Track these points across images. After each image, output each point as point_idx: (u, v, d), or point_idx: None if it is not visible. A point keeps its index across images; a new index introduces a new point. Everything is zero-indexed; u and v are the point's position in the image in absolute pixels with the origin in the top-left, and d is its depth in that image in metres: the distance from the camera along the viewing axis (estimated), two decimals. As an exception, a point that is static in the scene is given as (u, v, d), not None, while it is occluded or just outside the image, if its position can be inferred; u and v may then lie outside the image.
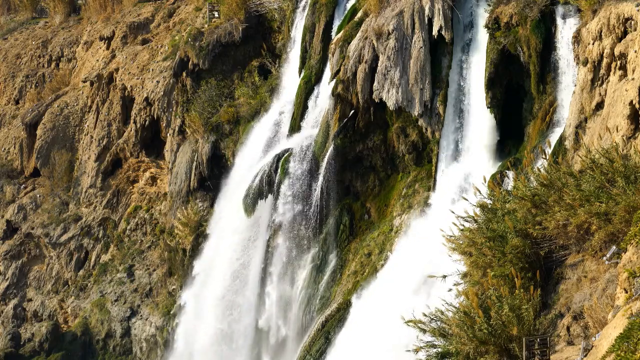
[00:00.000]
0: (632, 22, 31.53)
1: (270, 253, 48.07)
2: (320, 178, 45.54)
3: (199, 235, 54.14)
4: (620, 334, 16.62)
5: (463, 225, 24.94)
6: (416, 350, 22.93)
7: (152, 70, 60.79)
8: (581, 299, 21.83)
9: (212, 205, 54.36)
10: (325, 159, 45.35)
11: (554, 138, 36.10)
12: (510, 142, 40.35)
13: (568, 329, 21.58)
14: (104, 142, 63.37)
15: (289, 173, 46.26)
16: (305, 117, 48.85)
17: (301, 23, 51.74)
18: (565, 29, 37.20)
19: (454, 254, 24.89)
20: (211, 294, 51.01)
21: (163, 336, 56.48)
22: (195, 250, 54.04)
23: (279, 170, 46.69)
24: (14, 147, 69.15)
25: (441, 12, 41.47)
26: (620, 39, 32.04)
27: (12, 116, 71.97)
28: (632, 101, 29.48)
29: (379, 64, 43.10)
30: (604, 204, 21.83)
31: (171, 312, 56.28)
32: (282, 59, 54.09)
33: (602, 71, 33.02)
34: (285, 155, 46.93)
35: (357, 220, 46.08)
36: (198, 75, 56.65)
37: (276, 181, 46.69)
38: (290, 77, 52.54)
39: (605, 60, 32.75)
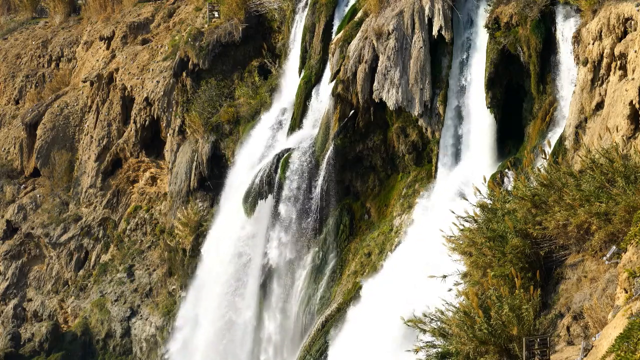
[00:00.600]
0: (632, 22, 31.53)
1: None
2: (320, 178, 45.55)
3: (199, 235, 54.16)
4: (620, 334, 16.62)
5: (463, 225, 24.93)
6: (416, 351, 22.92)
7: (152, 70, 60.80)
8: (581, 299, 21.82)
9: (212, 205, 54.38)
10: (325, 159, 45.35)
11: (554, 138, 36.09)
12: (510, 142, 40.34)
13: (568, 329, 21.58)
14: (104, 142, 63.38)
15: (288, 173, 46.25)
16: (305, 117, 48.85)
17: (301, 23, 51.73)
18: (565, 29, 37.19)
19: (454, 254, 24.88)
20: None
21: (163, 336, 56.49)
22: (195, 250, 54.08)
23: (279, 170, 46.69)
24: (14, 147, 69.16)
25: (441, 12, 41.47)
26: (620, 39, 32.03)
27: (12, 116, 71.99)
28: (632, 101, 29.48)
29: (379, 64, 43.10)
30: (604, 204, 21.82)
31: (171, 313, 56.32)
32: (282, 59, 54.08)
33: (602, 71, 33.01)
34: (285, 155, 46.93)
35: (357, 220, 46.08)
36: (198, 75, 56.65)
37: (276, 181, 46.70)
38: (290, 77, 52.54)
39: (605, 60, 32.74)
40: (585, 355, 18.97)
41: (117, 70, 63.75)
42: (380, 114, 44.48)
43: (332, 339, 42.32)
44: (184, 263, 55.47)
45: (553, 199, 23.15)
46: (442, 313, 22.77)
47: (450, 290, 24.63)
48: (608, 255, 21.06)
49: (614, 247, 20.88)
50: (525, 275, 22.81)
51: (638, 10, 31.28)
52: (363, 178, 46.10)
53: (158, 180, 61.53)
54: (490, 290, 22.35)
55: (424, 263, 35.76)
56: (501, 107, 40.18)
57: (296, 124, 48.97)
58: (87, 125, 65.35)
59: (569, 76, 36.92)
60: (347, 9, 48.45)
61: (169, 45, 61.59)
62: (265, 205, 47.45)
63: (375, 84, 43.18)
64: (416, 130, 43.32)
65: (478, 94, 40.64)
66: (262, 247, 48.49)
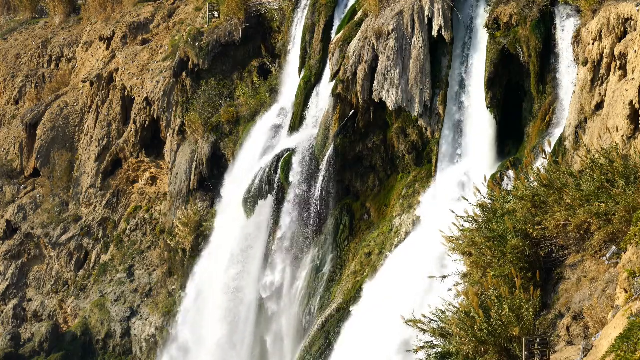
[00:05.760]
0: (632, 22, 31.53)
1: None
2: (320, 178, 45.55)
3: (199, 235, 54.16)
4: (620, 334, 16.61)
5: (463, 226, 24.92)
6: (416, 351, 22.92)
7: (152, 70, 60.79)
8: (581, 299, 21.82)
9: (212, 205, 54.37)
10: (325, 159, 45.35)
11: (554, 138, 36.09)
12: (510, 142, 40.35)
13: (568, 329, 21.57)
14: (104, 142, 63.37)
15: (288, 173, 46.27)
16: (305, 117, 48.86)
17: (301, 23, 51.75)
18: (565, 29, 37.19)
19: (454, 254, 24.87)
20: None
21: (163, 336, 56.50)
22: (195, 250, 54.09)
23: (279, 170, 46.69)
24: (14, 147, 69.15)
25: (441, 12, 41.47)
26: (620, 39, 32.03)
27: (12, 116, 71.99)
28: (632, 101, 29.48)
29: (378, 64, 43.10)
30: (604, 204, 21.80)
31: (171, 313, 56.34)
32: (282, 59, 54.09)
33: (602, 71, 33.01)
34: (285, 155, 46.93)
35: (357, 220, 46.07)
36: (198, 75, 56.64)
37: (276, 181, 46.70)
38: (290, 77, 52.55)
39: (605, 61, 32.75)
40: (585, 355, 18.97)
41: (117, 70, 63.75)
42: (380, 114, 44.47)
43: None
44: (184, 263, 55.47)
45: (553, 199, 23.14)
46: (442, 313, 22.76)
47: (449, 290, 24.64)
48: (608, 255, 21.06)
49: (614, 247, 20.88)
50: (525, 275, 22.81)
51: (638, 11, 31.28)
52: (363, 178, 46.10)
53: (158, 181, 61.53)
54: (490, 290, 22.34)
55: (423, 263, 35.76)
56: (501, 107, 40.19)
57: (296, 124, 48.96)
58: (87, 126, 65.35)
59: (569, 76, 36.93)
60: (347, 9, 48.45)
61: (169, 45, 61.59)
62: (265, 206, 47.46)
63: (375, 84, 43.18)
64: (416, 131, 43.33)
65: (478, 94, 40.64)
66: (262, 247, 48.49)
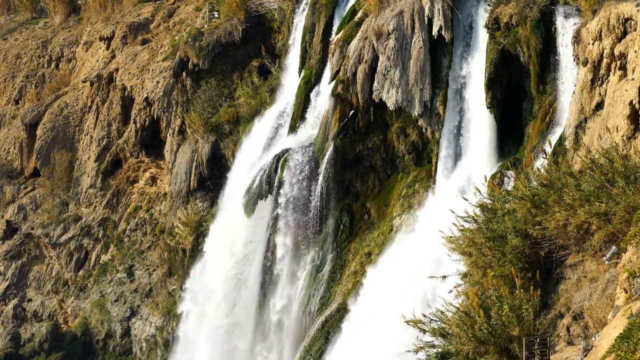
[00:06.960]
0: (632, 22, 31.52)
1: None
2: (320, 178, 45.55)
3: (199, 235, 54.17)
4: (620, 334, 16.61)
5: (463, 226, 24.92)
6: (416, 351, 22.92)
7: (152, 70, 60.80)
8: (581, 299, 21.82)
9: (212, 206, 54.38)
10: (325, 159, 45.35)
11: (554, 138, 36.09)
12: (510, 142, 40.35)
13: (568, 329, 21.57)
14: (104, 142, 63.38)
15: (288, 173, 46.25)
16: (305, 117, 48.85)
17: (301, 23, 51.77)
18: (565, 29, 37.19)
19: (454, 254, 24.87)
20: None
21: (163, 336, 56.50)
22: (195, 250, 54.09)
23: (278, 170, 46.69)
24: (14, 147, 69.16)
25: (441, 12, 41.48)
26: (620, 39, 32.02)
27: (12, 116, 72.00)
28: (632, 101, 29.47)
29: (378, 64, 43.10)
30: (604, 204, 21.80)
31: (171, 313, 56.34)
32: (282, 59, 54.09)
33: (602, 71, 33.00)
34: (285, 156, 46.92)
35: (357, 220, 46.07)
36: (198, 75, 56.64)
37: (276, 181, 46.69)
38: (290, 77, 52.55)
39: (605, 61, 32.73)
40: (585, 355, 18.97)
41: (117, 70, 63.76)
42: (380, 114, 44.48)
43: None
44: (184, 263, 55.48)
45: (553, 199, 23.14)
46: (442, 313, 22.76)
47: (450, 292, 24.64)
48: (608, 255, 21.06)
49: (614, 247, 20.88)
50: (525, 275, 22.81)
51: (638, 11, 31.28)
52: (363, 178, 46.09)
53: (158, 180, 61.54)
54: (490, 290, 22.34)
55: (423, 263, 35.77)
56: (501, 107, 40.19)
57: (296, 124, 48.97)
58: (87, 125, 65.36)
59: (569, 76, 36.93)
60: (347, 9, 48.45)
61: (169, 45, 61.59)
62: (265, 206, 47.45)
63: (375, 84, 43.18)
64: (416, 131, 43.34)
65: (478, 94, 40.64)
66: (262, 247, 48.45)
